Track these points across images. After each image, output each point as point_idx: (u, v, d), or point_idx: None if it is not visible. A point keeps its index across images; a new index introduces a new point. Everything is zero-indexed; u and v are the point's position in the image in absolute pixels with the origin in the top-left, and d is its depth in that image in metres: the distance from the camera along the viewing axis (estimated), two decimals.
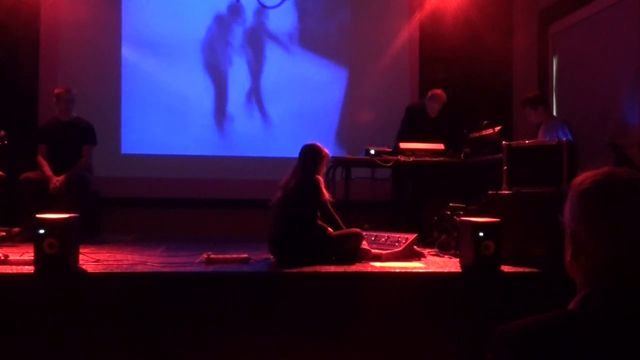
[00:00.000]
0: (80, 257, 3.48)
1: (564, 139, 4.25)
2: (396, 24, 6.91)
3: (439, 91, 5.74)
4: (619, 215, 1.07)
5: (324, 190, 3.92)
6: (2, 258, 3.40)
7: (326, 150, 4.10)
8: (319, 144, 4.11)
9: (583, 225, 1.11)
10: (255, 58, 6.82)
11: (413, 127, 5.74)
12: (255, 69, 6.81)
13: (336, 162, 5.32)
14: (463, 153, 5.38)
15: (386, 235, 4.22)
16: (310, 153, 4.04)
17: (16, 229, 4.66)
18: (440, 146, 5.40)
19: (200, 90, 6.70)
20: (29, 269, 3.22)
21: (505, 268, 3.52)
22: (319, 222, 3.88)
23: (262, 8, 6.82)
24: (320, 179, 3.94)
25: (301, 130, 6.73)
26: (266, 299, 3.26)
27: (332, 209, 3.92)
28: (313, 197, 3.85)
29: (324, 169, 4.17)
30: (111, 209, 6.08)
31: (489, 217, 3.65)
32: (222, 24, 6.79)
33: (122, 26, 6.60)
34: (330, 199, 3.96)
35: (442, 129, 5.73)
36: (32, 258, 3.20)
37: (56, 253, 3.12)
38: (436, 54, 6.94)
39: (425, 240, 4.61)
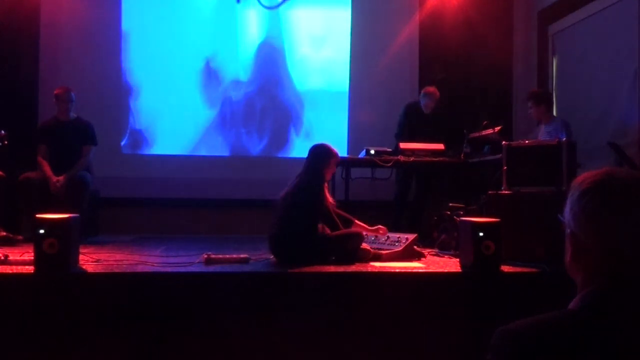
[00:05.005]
0: (80, 257, 3.49)
1: (565, 139, 4.25)
2: (396, 24, 6.90)
3: (431, 88, 5.82)
4: (618, 215, 1.07)
5: (327, 194, 3.86)
6: (2, 258, 3.40)
7: (335, 151, 4.00)
8: (328, 144, 4.02)
9: (583, 225, 1.10)
10: (255, 58, 6.81)
11: (411, 125, 5.82)
12: (256, 69, 6.81)
13: None
14: (463, 153, 5.38)
15: (386, 235, 4.22)
16: (317, 153, 3.96)
17: (20, 237, 4.62)
18: (441, 146, 5.41)
19: (201, 90, 6.70)
20: (29, 269, 3.22)
21: (505, 268, 3.52)
22: (319, 223, 3.86)
23: (262, 9, 6.81)
24: (324, 182, 3.89)
25: (302, 130, 6.74)
26: (266, 299, 3.26)
27: (332, 214, 3.83)
28: (312, 200, 3.80)
29: (332, 171, 4.06)
30: (111, 209, 6.08)
31: (489, 217, 3.65)
32: (223, 24, 6.78)
33: (122, 26, 6.60)
34: (333, 202, 3.91)
35: (440, 126, 5.78)
36: (32, 258, 3.20)
37: (56, 253, 3.12)
38: (436, 54, 6.94)
39: (425, 240, 4.61)
